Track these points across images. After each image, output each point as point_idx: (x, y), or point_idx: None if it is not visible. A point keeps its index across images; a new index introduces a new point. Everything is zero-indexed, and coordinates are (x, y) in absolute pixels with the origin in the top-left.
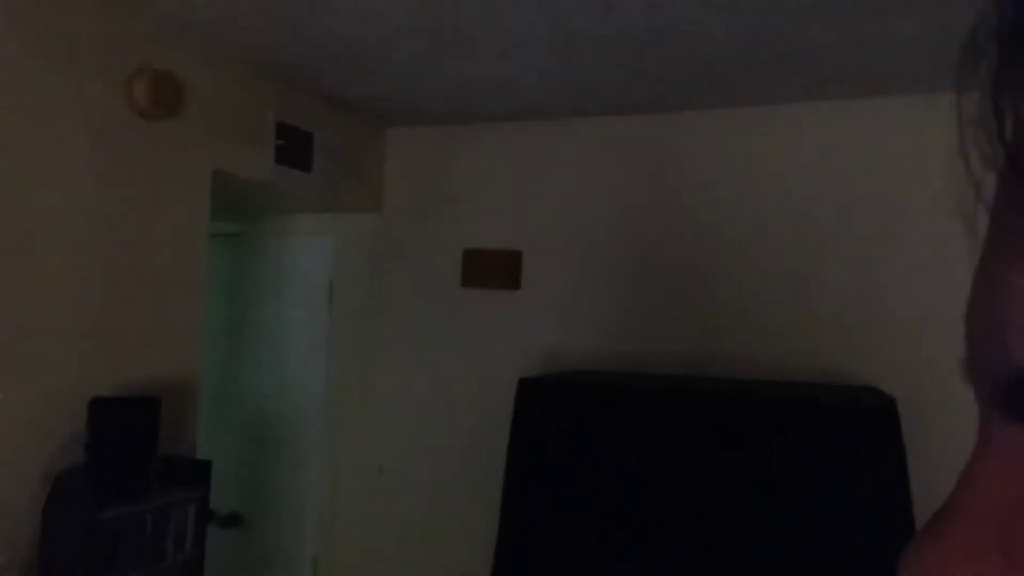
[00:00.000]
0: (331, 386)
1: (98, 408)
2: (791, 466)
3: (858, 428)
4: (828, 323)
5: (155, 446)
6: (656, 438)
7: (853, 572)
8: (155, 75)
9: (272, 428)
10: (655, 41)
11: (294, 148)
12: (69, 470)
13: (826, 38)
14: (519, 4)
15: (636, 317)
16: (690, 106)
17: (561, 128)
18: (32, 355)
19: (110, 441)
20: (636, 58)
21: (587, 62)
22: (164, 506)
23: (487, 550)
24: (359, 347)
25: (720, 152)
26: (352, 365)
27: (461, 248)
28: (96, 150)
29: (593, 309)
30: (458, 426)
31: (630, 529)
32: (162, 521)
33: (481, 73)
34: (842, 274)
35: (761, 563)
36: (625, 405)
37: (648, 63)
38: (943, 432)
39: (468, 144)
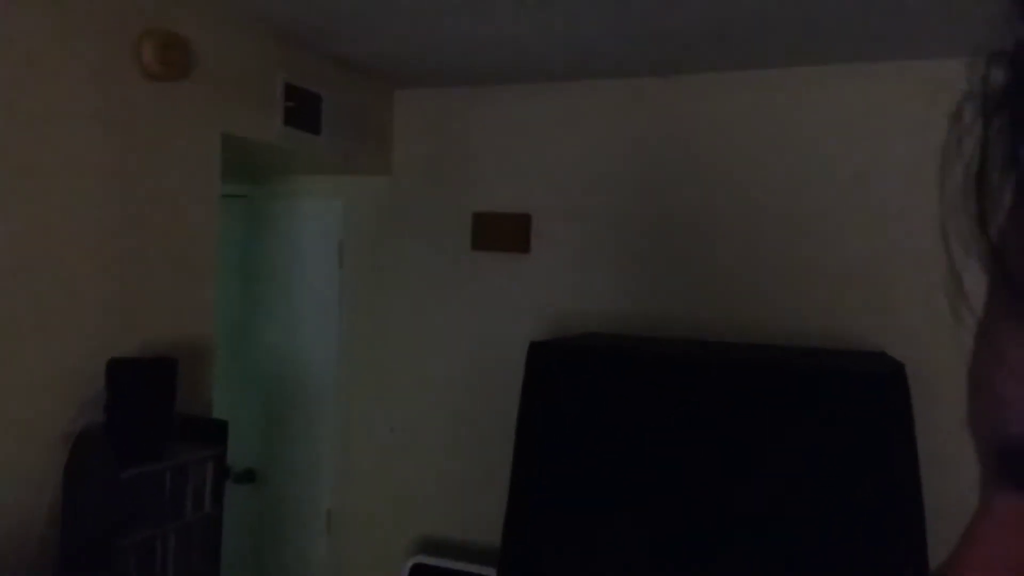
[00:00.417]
0: (343, 345)
1: (116, 369)
2: (801, 430)
3: (868, 393)
4: (840, 287)
5: (173, 406)
6: (667, 402)
7: (860, 538)
8: (164, 36)
9: (285, 386)
10: (670, 1)
11: (303, 110)
12: (89, 430)
13: (844, 1)
14: None
15: (646, 281)
16: (703, 68)
17: (572, 90)
18: (50, 317)
19: (129, 401)
20: (650, 19)
21: (600, 23)
22: (183, 464)
23: (499, 508)
24: (370, 308)
25: (733, 115)
26: (363, 325)
27: (471, 211)
28: (105, 112)
29: (603, 273)
30: (468, 386)
31: (639, 491)
32: (181, 479)
33: (492, 33)
34: (855, 238)
35: (768, 525)
36: (636, 369)
37: (662, 24)
38: (952, 398)
39: (478, 106)
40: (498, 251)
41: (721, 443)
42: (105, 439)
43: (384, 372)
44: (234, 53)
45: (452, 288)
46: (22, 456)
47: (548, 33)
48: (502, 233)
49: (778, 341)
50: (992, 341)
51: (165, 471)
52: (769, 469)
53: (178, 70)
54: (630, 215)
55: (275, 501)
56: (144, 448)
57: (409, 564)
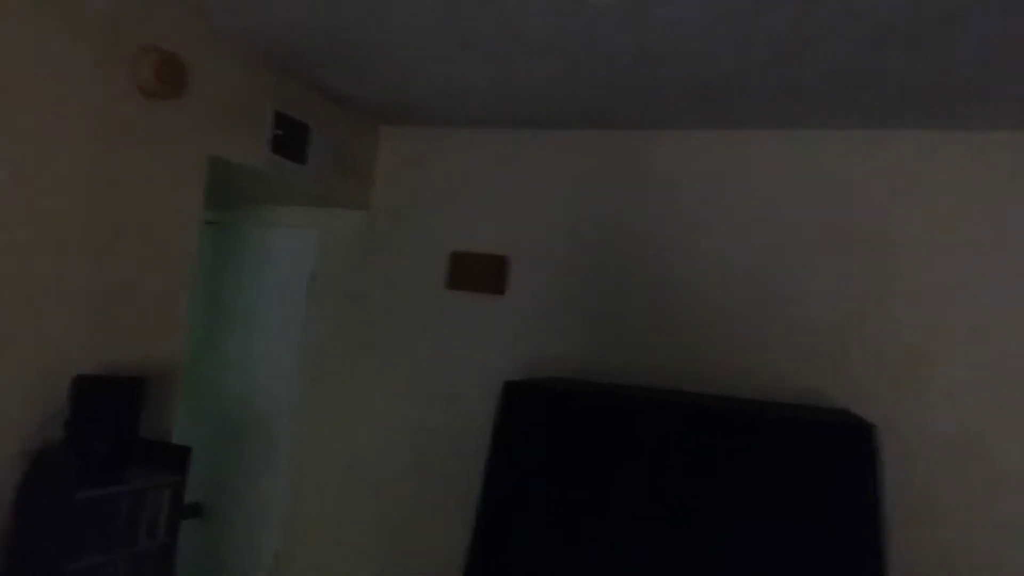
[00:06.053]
0: (304, 378)
1: (82, 385)
2: (769, 478)
3: (837, 446)
4: (807, 345)
5: (137, 428)
6: (636, 447)
7: None
8: (160, 54)
9: (241, 419)
10: (660, 60)
11: (290, 139)
12: (49, 447)
13: (823, 71)
14: (530, 9)
15: (619, 328)
16: (682, 124)
17: (554, 137)
18: (16, 327)
19: (92, 419)
20: (639, 75)
21: (590, 75)
22: (140, 490)
23: (455, 551)
24: (337, 342)
25: (709, 171)
26: (329, 360)
27: (448, 250)
28: (96, 123)
29: (577, 318)
30: (432, 427)
31: (604, 534)
32: (137, 505)
33: (481, 77)
34: (824, 297)
35: (732, 568)
36: (607, 413)
37: (650, 80)
38: (911, 457)
39: (461, 147)
40: (473, 291)
41: (685, 489)
42: (64, 457)
43: (346, 409)
44: (227, 78)
45: (423, 326)
46: None
47: (538, 81)
48: (478, 274)
49: (743, 395)
50: None
51: (122, 495)
52: (732, 517)
53: (173, 89)
54: (606, 264)
55: (220, 538)
56: (105, 469)
57: None
